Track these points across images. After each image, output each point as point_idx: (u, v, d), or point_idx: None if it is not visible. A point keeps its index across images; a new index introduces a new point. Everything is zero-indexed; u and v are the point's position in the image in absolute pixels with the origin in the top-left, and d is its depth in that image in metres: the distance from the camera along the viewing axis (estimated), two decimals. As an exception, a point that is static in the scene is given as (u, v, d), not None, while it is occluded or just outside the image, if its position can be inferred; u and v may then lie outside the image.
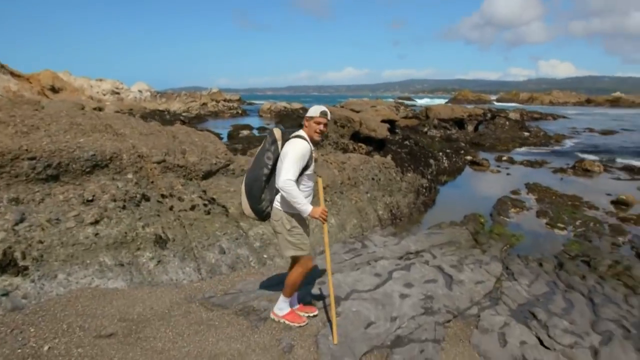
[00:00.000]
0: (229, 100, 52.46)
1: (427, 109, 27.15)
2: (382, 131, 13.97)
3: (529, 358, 3.81)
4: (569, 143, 24.05)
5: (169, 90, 53.11)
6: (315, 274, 4.94)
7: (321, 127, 3.47)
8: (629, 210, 10.13)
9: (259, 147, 3.60)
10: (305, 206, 3.31)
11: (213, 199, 5.88)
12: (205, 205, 5.62)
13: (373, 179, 8.55)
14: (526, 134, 25.71)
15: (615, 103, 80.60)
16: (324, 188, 3.85)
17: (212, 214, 5.56)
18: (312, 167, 3.47)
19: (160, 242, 4.80)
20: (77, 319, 3.46)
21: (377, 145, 14.05)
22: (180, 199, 5.53)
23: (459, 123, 25.34)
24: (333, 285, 3.74)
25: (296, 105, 47.17)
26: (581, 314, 4.88)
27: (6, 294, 3.63)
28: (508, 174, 14.50)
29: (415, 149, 14.13)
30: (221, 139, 23.11)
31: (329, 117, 3.50)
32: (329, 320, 3.83)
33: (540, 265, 6.46)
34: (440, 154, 15.19)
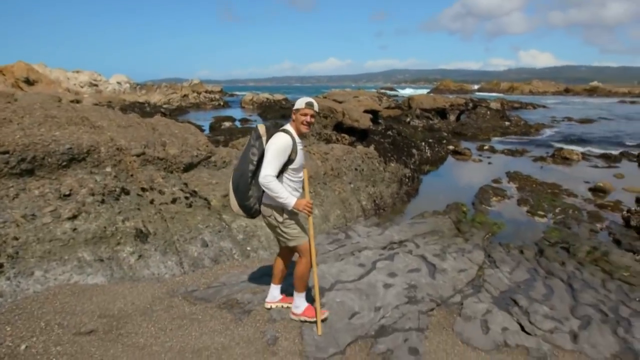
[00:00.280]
0: (211, 92, 51.80)
1: (410, 99, 27.25)
2: (365, 121, 13.98)
3: (511, 344, 3.87)
4: (548, 132, 24.43)
5: (149, 82, 52.14)
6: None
7: (307, 118, 3.42)
8: (606, 197, 10.36)
9: (245, 144, 3.56)
10: (287, 199, 3.29)
11: (195, 191, 5.79)
12: (186, 198, 5.54)
13: (356, 169, 8.55)
14: (507, 123, 26.02)
15: (592, 92, 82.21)
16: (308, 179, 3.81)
17: (193, 207, 5.49)
18: (298, 161, 3.43)
19: (141, 236, 4.71)
20: (55, 316, 3.38)
21: (360, 135, 14.06)
22: (161, 192, 5.44)
23: (441, 113, 25.53)
24: (317, 276, 3.73)
25: (278, 97, 46.83)
26: (561, 299, 4.97)
27: (-20, 293, 3.53)
28: (489, 163, 14.68)
29: (398, 139, 14.18)
30: (203, 130, 22.84)
31: (315, 109, 3.47)
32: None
33: (521, 252, 6.56)
34: (423, 143, 15.28)
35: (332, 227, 7.04)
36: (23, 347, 2.93)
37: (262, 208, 3.50)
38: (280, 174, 3.38)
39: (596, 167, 14.36)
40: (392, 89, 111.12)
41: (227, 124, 24.87)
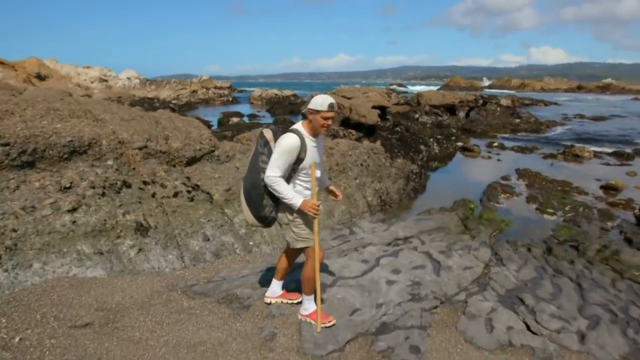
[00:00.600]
0: (220, 88, 51.91)
1: (419, 95, 27.03)
2: (373, 117, 13.86)
3: (516, 343, 3.76)
4: (560, 129, 24.09)
5: (158, 77, 52.37)
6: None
7: (329, 122, 3.26)
8: (618, 195, 10.15)
9: (252, 151, 3.41)
10: (293, 200, 3.20)
11: (197, 185, 5.75)
12: (188, 192, 5.49)
13: (362, 164, 8.46)
14: (517, 120, 25.70)
15: (605, 89, 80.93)
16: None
17: (195, 201, 5.44)
18: (308, 160, 3.27)
19: (142, 229, 4.67)
20: (52, 308, 3.35)
21: (368, 131, 13.94)
22: (162, 186, 5.40)
23: (450, 109, 25.27)
24: (319, 273, 3.64)
25: (287, 93, 46.75)
26: (569, 298, 4.85)
27: (-22, 284, 3.51)
28: (499, 160, 14.48)
29: (405, 135, 14.05)
30: (211, 126, 22.88)
31: (335, 110, 3.29)
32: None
33: (529, 250, 6.43)
34: (431, 140, 15.12)
35: (337, 222, 6.96)
36: (17, 339, 2.90)
37: None
38: (291, 175, 3.28)
39: (608, 164, 14.11)
40: (401, 85, 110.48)
41: (235, 119, 24.87)
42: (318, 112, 3.20)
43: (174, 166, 5.82)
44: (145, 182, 5.31)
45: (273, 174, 3.14)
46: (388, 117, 19.79)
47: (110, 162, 5.11)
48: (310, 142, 3.28)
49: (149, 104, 33.48)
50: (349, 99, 18.15)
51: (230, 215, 5.67)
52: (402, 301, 4.26)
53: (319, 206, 3.30)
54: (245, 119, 26.46)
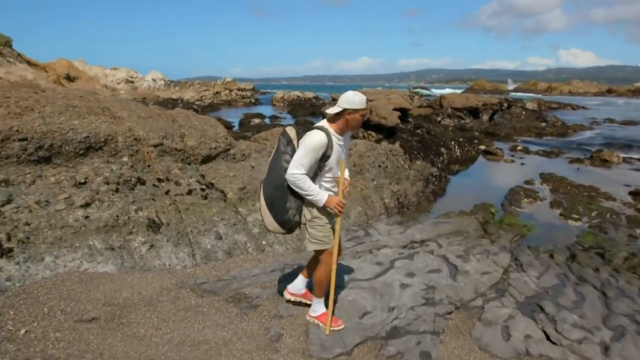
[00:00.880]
0: (243, 90, 52.38)
1: (441, 97, 26.64)
2: (393, 119, 13.69)
3: (534, 353, 3.59)
4: (588, 134, 23.36)
5: (183, 79, 53.19)
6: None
7: (364, 118, 3.21)
8: (648, 201, 9.72)
9: (273, 151, 3.23)
10: (318, 196, 3.08)
11: (211, 183, 5.73)
12: (202, 190, 5.48)
13: (380, 166, 8.32)
14: (543, 124, 25.06)
15: (637, 93, 78.28)
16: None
17: (209, 199, 5.42)
18: (334, 159, 3.15)
19: (154, 226, 4.67)
20: (59, 302, 3.36)
21: (388, 133, 13.79)
22: (177, 183, 5.40)
23: (474, 112, 24.82)
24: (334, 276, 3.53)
25: (309, 95, 46.83)
26: (592, 307, 4.62)
27: (-10, 276, 3.55)
28: (522, 164, 14.10)
29: (426, 137, 13.83)
30: (232, 127, 23.07)
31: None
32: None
33: (552, 256, 6.19)
34: (453, 142, 14.84)
35: (352, 224, 6.85)
36: (23, 331, 2.90)
37: None
38: (316, 173, 3.15)
39: (638, 170, 13.56)
40: (425, 88, 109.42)
41: (256, 120, 25.01)
42: (357, 110, 3.12)
43: (189, 164, 5.82)
44: (159, 180, 5.32)
45: (297, 171, 3.00)
46: (409, 119, 19.55)
47: (125, 159, 5.14)
48: (336, 140, 3.17)
49: (173, 105, 34.01)
50: (370, 101, 18.02)
51: (244, 214, 5.63)
52: (416, 305, 4.13)
53: (344, 204, 3.20)
54: (267, 121, 26.58)
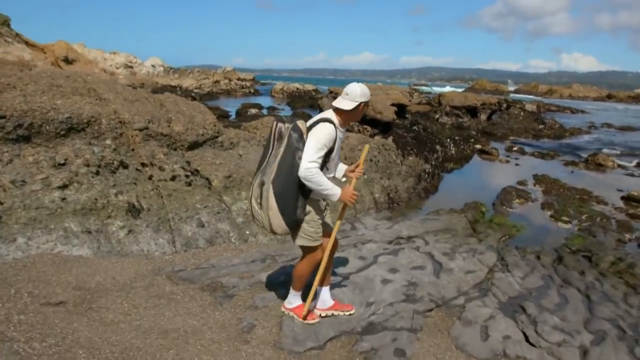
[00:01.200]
0: (243, 80, 52.09)
1: (440, 95, 26.55)
2: (389, 114, 13.60)
3: (511, 354, 3.53)
4: (585, 137, 23.33)
5: (184, 67, 52.81)
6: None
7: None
8: (639, 207, 9.69)
9: (281, 147, 2.92)
10: (333, 190, 2.95)
11: (197, 170, 5.64)
12: (187, 176, 5.38)
13: (371, 160, 8.24)
14: (541, 126, 25.00)
15: (637, 99, 78.27)
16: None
17: (193, 186, 5.33)
18: (336, 152, 3.07)
19: (133, 211, 4.58)
20: (28, 284, 3.27)
21: (383, 128, 13.70)
22: (161, 169, 5.30)
23: (472, 111, 24.72)
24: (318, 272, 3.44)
25: (309, 87, 46.60)
26: (575, 310, 4.57)
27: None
28: (517, 165, 14.05)
29: (422, 134, 13.75)
30: (229, 116, 22.92)
31: None
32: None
33: (538, 258, 6.13)
34: (448, 140, 14.76)
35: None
36: (-15, 313, 2.82)
37: None
38: (322, 166, 2.99)
39: (632, 175, 13.53)
40: (426, 86, 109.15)
41: (253, 110, 24.84)
42: (366, 103, 3.10)
43: (175, 150, 5.72)
44: (143, 164, 5.23)
45: (312, 166, 2.84)
46: (407, 115, 19.47)
47: (108, 142, 5.04)
48: (339, 133, 3.06)
49: (171, 92, 33.72)
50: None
51: (229, 202, 5.55)
52: (395, 301, 4.07)
53: (358, 195, 3.13)
54: (264, 111, 26.42)
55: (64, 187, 4.27)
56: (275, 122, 3.00)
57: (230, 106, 27.98)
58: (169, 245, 4.64)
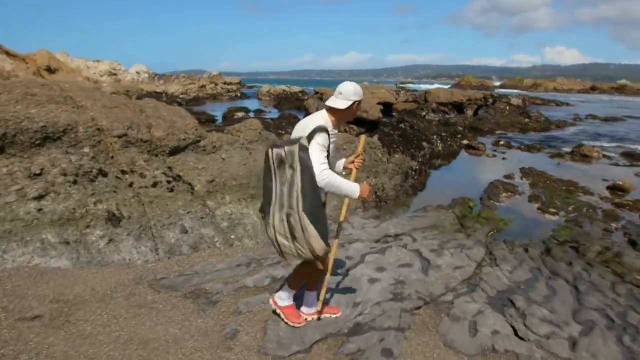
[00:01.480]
0: (229, 84, 51.87)
1: (427, 92, 26.62)
2: (375, 113, 13.59)
3: (500, 349, 3.50)
4: (570, 129, 23.56)
5: (170, 73, 52.43)
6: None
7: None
8: (625, 196, 9.78)
9: (296, 173, 2.70)
10: (352, 187, 2.86)
11: (179, 176, 5.55)
12: (169, 182, 5.29)
13: (357, 159, 8.20)
14: (527, 119, 25.19)
15: (620, 91, 79.38)
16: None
17: (175, 192, 5.24)
18: (331, 155, 2.97)
19: (114, 219, 4.48)
20: (2, 299, 3.17)
21: (370, 127, 13.68)
22: (142, 176, 5.21)
23: (459, 107, 24.83)
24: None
25: (296, 89, 46.55)
26: (563, 302, 4.56)
27: None
28: (504, 159, 14.12)
29: (409, 131, 13.75)
30: (216, 120, 22.79)
31: None
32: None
33: (526, 251, 6.14)
34: (435, 137, 14.79)
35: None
36: (-44, 331, 2.72)
37: None
38: None
39: (617, 165, 13.68)
40: (412, 84, 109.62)
41: (240, 114, 24.73)
42: (360, 102, 3.03)
43: (156, 156, 5.62)
44: (123, 172, 5.13)
45: (325, 169, 2.76)
46: (394, 114, 19.49)
47: (86, 150, 4.93)
48: (332, 136, 2.96)
49: (157, 98, 33.42)
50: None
51: (213, 207, 5.47)
52: (382, 301, 4.02)
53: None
54: (252, 114, 26.31)
55: (40, 197, 4.17)
56: (270, 150, 2.79)
57: (217, 111, 27.84)
58: (151, 253, 4.55)
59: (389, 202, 8.27)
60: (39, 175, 4.36)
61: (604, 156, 14.82)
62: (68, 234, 4.14)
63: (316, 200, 2.74)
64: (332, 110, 2.99)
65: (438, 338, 3.58)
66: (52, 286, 3.51)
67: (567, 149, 15.81)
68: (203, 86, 47.28)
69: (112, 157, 5.18)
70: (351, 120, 3.12)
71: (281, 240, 2.81)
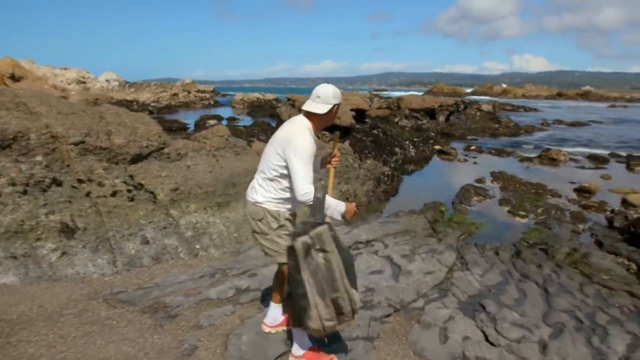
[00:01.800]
0: (202, 92, 51.26)
1: (399, 99, 26.88)
2: (347, 119, 13.56)
3: (470, 355, 3.41)
4: (538, 134, 24.14)
5: (141, 81, 51.45)
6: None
7: None
8: (591, 198, 9.99)
9: (333, 256, 2.51)
10: (339, 206, 2.61)
11: (141, 184, 5.32)
12: (129, 191, 5.06)
13: (328, 165, 8.10)
14: (496, 125, 25.70)
15: (585, 96, 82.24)
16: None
17: (136, 201, 5.01)
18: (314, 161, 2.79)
19: (67, 231, 4.23)
20: (-64, 321, 2.90)
21: (342, 133, 13.63)
22: (100, 184, 4.96)
23: (431, 113, 25.15)
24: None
25: (269, 96, 46.36)
26: (533, 304, 4.53)
27: None
28: (475, 163, 14.30)
29: (381, 137, 13.78)
30: (188, 128, 22.39)
31: None
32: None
33: (497, 253, 6.14)
34: (408, 142, 14.87)
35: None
36: None
37: (252, 208, 2.78)
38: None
39: (583, 168, 14.03)
40: (386, 91, 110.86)
41: (212, 122, 24.37)
42: (339, 104, 2.77)
43: (116, 164, 5.38)
44: (80, 180, 4.87)
45: (310, 188, 2.52)
46: (367, 120, 19.54)
47: (39, 158, 4.66)
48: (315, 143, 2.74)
49: (127, 107, 32.65)
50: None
51: (176, 216, 5.25)
52: (351, 309, 3.89)
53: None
54: (224, 122, 26.00)
55: (-15, 209, 3.89)
56: (296, 240, 2.49)
57: (190, 119, 27.40)
58: (109, 266, 4.31)
59: (360, 208, 8.18)
60: (-15, 185, 4.08)
61: (571, 159, 15.18)
62: (15, 247, 3.87)
63: (352, 264, 2.62)
64: (310, 116, 2.74)
65: (407, 346, 3.47)
66: (-6, 305, 3.26)
67: (536, 153, 16.13)
68: (175, 94, 46.55)
69: (68, 166, 4.91)
70: (329, 125, 2.86)
71: (328, 324, 2.58)
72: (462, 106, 29.95)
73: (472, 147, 17.18)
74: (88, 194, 4.78)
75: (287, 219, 2.85)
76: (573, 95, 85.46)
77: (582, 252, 6.08)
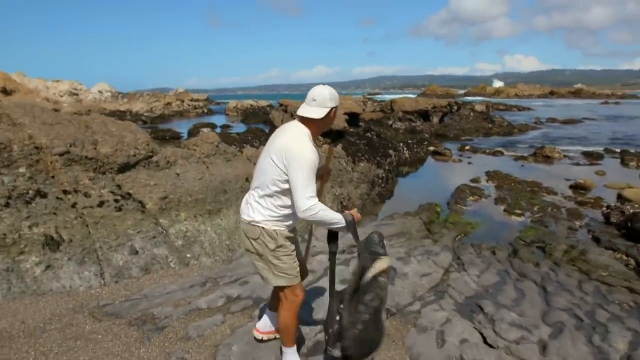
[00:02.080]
0: (196, 100, 51.16)
1: (392, 101, 26.88)
2: (340, 122, 13.51)
3: (468, 359, 3.32)
4: (532, 133, 24.17)
5: (135, 91, 51.30)
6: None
7: None
8: (587, 194, 9.95)
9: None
10: (342, 221, 2.47)
11: (129, 194, 5.21)
12: (116, 201, 4.95)
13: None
14: (490, 124, 25.72)
15: (576, 94, 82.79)
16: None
17: (124, 211, 4.90)
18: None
19: (52, 243, 4.11)
20: None
21: (335, 136, 13.56)
22: (86, 195, 4.85)
23: (424, 115, 25.15)
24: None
25: (263, 103, 46.31)
26: (532, 304, 4.45)
27: None
28: (469, 163, 14.26)
29: (375, 140, 13.72)
30: (181, 137, 22.28)
31: None
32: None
33: (494, 253, 6.06)
34: (402, 144, 14.82)
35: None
36: None
37: (247, 226, 2.57)
38: (285, 193, 2.46)
39: (578, 164, 14.01)
40: (380, 94, 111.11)
41: (205, 130, 24.27)
42: (337, 107, 2.58)
43: (103, 173, 5.27)
44: (65, 191, 4.76)
45: (316, 202, 2.37)
46: (360, 123, 19.49)
47: (22, 170, 4.55)
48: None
49: (120, 117, 32.52)
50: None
51: (166, 225, 5.14)
52: (345, 315, 3.79)
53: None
54: (218, 129, 25.90)
55: (-36, 224, 3.78)
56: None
57: (183, 127, 27.31)
58: (96, 278, 4.19)
59: (355, 211, 8.09)
60: (-35, 199, 3.96)
61: (565, 156, 15.17)
62: (-3, 262, 3.75)
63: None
64: (306, 121, 2.50)
65: (404, 351, 3.37)
66: (-26, 322, 3.14)
67: (530, 151, 16.12)
68: (169, 103, 46.41)
69: (53, 177, 4.80)
70: (327, 130, 2.67)
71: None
72: (455, 107, 29.96)
73: (467, 147, 17.15)
74: (74, 205, 4.67)
75: (286, 238, 2.62)
76: (565, 93, 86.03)
77: (580, 249, 6.01)
